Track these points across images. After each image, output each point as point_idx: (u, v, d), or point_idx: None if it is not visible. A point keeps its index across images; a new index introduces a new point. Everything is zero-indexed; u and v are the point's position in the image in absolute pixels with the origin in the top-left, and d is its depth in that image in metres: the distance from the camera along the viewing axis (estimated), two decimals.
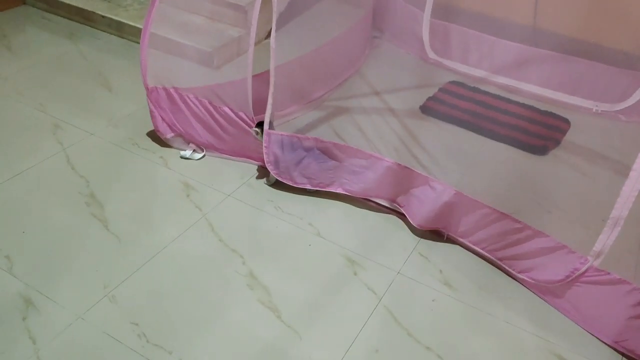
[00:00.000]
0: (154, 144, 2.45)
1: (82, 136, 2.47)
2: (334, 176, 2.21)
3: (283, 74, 2.42)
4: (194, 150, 2.42)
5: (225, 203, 2.18)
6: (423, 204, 2.06)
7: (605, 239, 1.67)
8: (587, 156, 2.67)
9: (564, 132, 2.79)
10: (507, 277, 1.99)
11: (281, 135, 2.18)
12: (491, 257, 2.01)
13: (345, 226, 2.13)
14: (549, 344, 1.76)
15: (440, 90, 3.03)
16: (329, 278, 1.91)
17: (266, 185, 2.28)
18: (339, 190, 2.23)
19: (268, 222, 2.12)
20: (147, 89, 2.31)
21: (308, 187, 2.23)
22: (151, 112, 2.36)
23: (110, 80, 2.87)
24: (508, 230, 1.92)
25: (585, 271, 1.75)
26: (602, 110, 3.01)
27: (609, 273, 1.70)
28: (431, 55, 3.34)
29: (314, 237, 2.07)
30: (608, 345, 1.77)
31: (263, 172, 2.32)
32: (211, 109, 2.30)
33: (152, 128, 2.47)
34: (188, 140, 2.42)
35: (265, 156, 2.19)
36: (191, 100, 2.31)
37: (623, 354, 1.74)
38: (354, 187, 2.20)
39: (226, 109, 2.28)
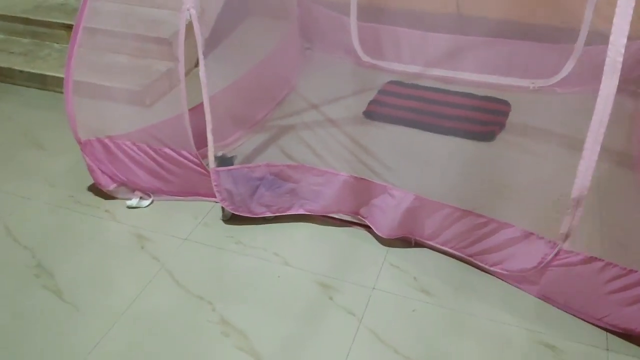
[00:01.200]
0: (97, 198, 2.33)
1: (18, 203, 2.31)
2: (293, 198, 2.15)
3: (220, 102, 2.34)
4: (140, 198, 2.30)
5: (184, 248, 2.08)
6: (385, 213, 2.02)
7: (571, 221, 1.67)
8: (533, 134, 2.70)
9: (506, 114, 2.82)
10: (481, 272, 1.97)
11: (229, 170, 2.10)
12: (461, 255, 1.99)
13: (312, 249, 2.07)
14: (536, 333, 1.75)
15: (379, 92, 3.01)
16: (304, 308, 1.85)
17: (223, 222, 2.19)
18: (300, 211, 2.17)
19: (232, 260, 2.03)
20: (79, 143, 2.18)
21: (268, 214, 2.16)
22: (89, 166, 2.23)
23: (40, 137, 2.72)
24: (473, 226, 1.90)
25: (556, 255, 1.75)
26: (538, 87, 3.05)
27: (578, 253, 1.70)
28: (365, 58, 3.33)
29: (282, 267, 2.00)
30: (592, 324, 1.77)
31: (216, 208, 2.23)
32: (151, 152, 2.20)
33: (92, 181, 2.34)
34: (133, 188, 2.31)
35: (217, 195, 2.11)
36: (128, 147, 2.20)
37: (607, 330, 1.74)
38: (314, 205, 2.14)
39: (167, 150, 2.19)
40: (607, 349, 1.71)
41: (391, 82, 3.12)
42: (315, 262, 2.01)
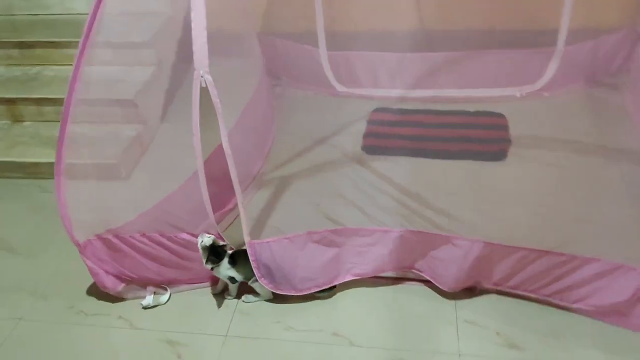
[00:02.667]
0: (103, 303, 1.97)
1: (9, 326, 1.90)
2: (338, 265, 1.90)
3: (214, 165, 2.08)
4: (154, 293, 1.97)
5: (228, 348, 1.78)
6: (450, 265, 1.83)
7: None
8: (541, 144, 2.61)
9: (506, 127, 2.73)
10: (563, 311, 1.81)
11: (268, 242, 1.82)
12: (537, 297, 1.83)
13: (373, 320, 1.84)
14: None
15: (369, 123, 2.83)
16: None
17: (263, 305, 1.90)
18: (348, 278, 1.93)
19: (289, 351, 1.75)
20: (78, 246, 1.82)
21: (315, 290, 1.90)
22: (91, 269, 1.88)
23: (9, 239, 2.29)
24: (552, 265, 1.75)
25: None
26: (526, 93, 2.99)
27: (598, 260, 1.60)
28: (340, 88, 3.13)
29: (350, 349, 1.76)
30: None
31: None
32: (165, 241, 1.89)
33: (90, 283, 1.99)
34: (144, 284, 1.97)
35: (256, 271, 1.83)
36: (138, 240, 1.87)
37: None
38: (364, 268, 1.92)
39: (184, 236, 1.88)
40: None
41: (377, 110, 2.94)
42: (382, 336, 1.78)
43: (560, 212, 2.00)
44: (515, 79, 2.98)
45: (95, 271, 1.88)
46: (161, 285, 1.98)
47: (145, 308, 1.94)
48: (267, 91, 2.94)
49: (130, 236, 1.86)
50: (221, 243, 1.83)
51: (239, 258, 1.84)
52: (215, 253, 1.78)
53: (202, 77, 1.60)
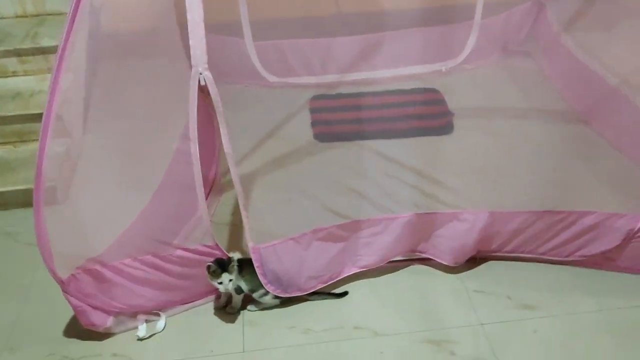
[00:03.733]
0: (89, 343, 1.74)
1: None
2: (343, 259, 1.84)
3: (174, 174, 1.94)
4: (146, 321, 1.77)
5: None
6: (455, 240, 1.86)
7: None
8: (481, 115, 2.74)
9: (443, 101, 2.82)
10: (558, 266, 1.93)
11: (274, 245, 1.72)
12: (533, 256, 1.92)
13: (389, 307, 1.82)
14: None
15: (312, 111, 2.78)
16: None
17: (271, 312, 1.80)
18: (353, 271, 1.88)
19: (311, 352, 1.68)
20: (62, 283, 1.58)
21: (320, 286, 1.83)
22: (75, 308, 1.64)
23: None
24: (549, 224, 1.84)
25: None
26: (450, 67, 3.11)
27: (593, 212, 1.76)
28: (272, 79, 3.04)
29: (376, 339, 1.72)
30: None
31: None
32: (159, 262, 1.71)
33: (66, 324, 1.75)
34: (134, 314, 1.76)
35: (261, 278, 1.72)
36: (128, 266, 1.67)
37: None
38: (370, 259, 1.88)
39: (180, 253, 1.71)
40: None
41: (315, 98, 2.90)
42: (403, 320, 1.77)
43: (538, 174, 2.10)
44: (440, 54, 3.08)
45: (80, 309, 1.64)
46: (152, 312, 1.78)
47: (141, 340, 1.74)
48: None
49: (120, 262, 1.64)
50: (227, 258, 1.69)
51: (246, 266, 1.72)
52: (220, 264, 1.64)
53: (200, 74, 1.45)
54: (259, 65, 3.00)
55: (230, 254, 1.71)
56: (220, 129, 1.56)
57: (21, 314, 1.83)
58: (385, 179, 2.10)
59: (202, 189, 1.63)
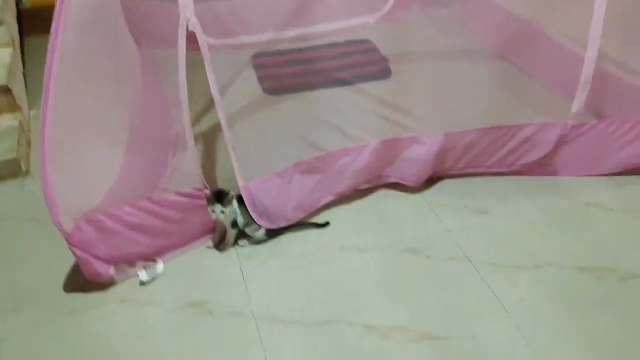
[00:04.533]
0: (93, 294, 1.81)
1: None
2: (321, 189, 2.03)
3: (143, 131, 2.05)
4: (144, 268, 1.87)
5: (253, 288, 1.81)
6: (416, 163, 2.09)
7: (582, 100, 2.02)
8: (413, 59, 2.98)
9: (377, 50, 3.05)
10: (501, 176, 2.21)
11: (261, 181, 1.87)
12: (479, 170, 2.20)
13: (366, 228, 2.02)
14: (574, 200, 2.10)
15: (255, 68, 2.92)
16: (421, 276, 1.84)
17: (261, 247, 1.95)
18: (330, 199, 2.07)
19: (305, 272, 1.85)
20: (67, 235, 1.64)
21: (303, 216, 2.01)
22: (80, 259, 1.71)
23: None
24: (494, 139, 2.11)
25: (569, 132, 2.09)
26: (377, 19, 3.34)
27: (586, 123, 2.07)
28: (210, 41, 3.10)
29: (361, 254, 1.93)
30: (599, 176, 2.19)
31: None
32: (156, 207, 1.80)
33: (64, 281, 1.81)
34: (132, 262, 1.86)
35: (253, 213, 1.87)
36: (128, 213, 1.75)
37: (612, 175, 2.19)
38: (345, 185, 2.07)
39: (174, 197, 1.82)
40: (619, 186, 2.16)
41: (256, 56, 3.03)
42: (381, 237, 1.98)
43: (477, 100, 2.38)
44: (367, 7, 3.30)
45: (85, 260, 1.70)
46: (150, 258, 1.88)
47: (143, 284, 1.83)
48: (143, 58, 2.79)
49: (121, 210, 1.73)
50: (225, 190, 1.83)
51: (241, 203, 1.85)
52: (217, 195, 1.77)
53: (188, 20, 1.55)
54: (198, 27, 3.04)
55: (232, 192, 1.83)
56: (208, 76, 1.66)
57: (14, 280, 1.85)
58: (352, 113, 2.29)
59: (192, 134, 1.73)
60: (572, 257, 1.86)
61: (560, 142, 2.09)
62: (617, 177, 2.19)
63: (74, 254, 1.68)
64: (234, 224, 1.85)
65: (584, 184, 2.16)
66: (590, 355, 1.57)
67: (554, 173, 2.20)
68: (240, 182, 1.83)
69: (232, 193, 1.83)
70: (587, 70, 1.97)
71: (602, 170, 2.18)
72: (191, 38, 2.99)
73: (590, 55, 1.95)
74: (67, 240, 1.65)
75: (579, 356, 1.57)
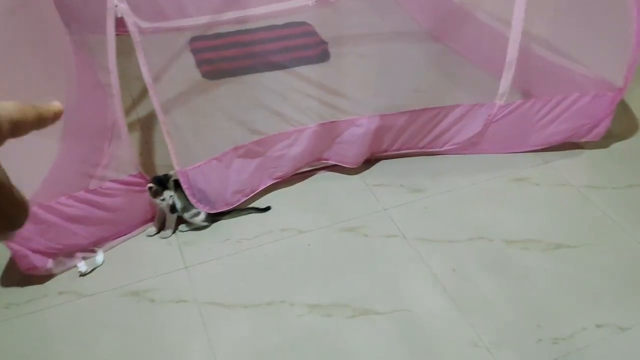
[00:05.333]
0: (31, 287, 1.78)
1: None
2: (261, 172, 2.06)
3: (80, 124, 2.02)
4: (84, 259, 1.86)
5: (195, 276, 1.83)
6: (353, 145, 2.14)
7: (508, 81, 2.11)
8: (350, 41, 3.03)
9: (315, 33, 3.08)
10: (434, 156, 2.30)
11: (199, 166, 1.88)
12: (414, 151, 2.28)
13: (305, 209, 2.07)
14: (504, 176, 2.21)
15: (194, 52, 2.89)
16: (352, 256, 1.91)
17: (202, 232, 1.96)
18: (269, 183, 2.10)
19: (250, 255, 1.89)
20: None
21: (243, 199, 2.03)
22: (17, 253, 1.68)
23: None
24: (426, 120, 2.19)
25: (496, 112, 2.19)
26: (315, 1, 3.35)
27: (513, 103, 2.18)
28: (145, 24, 3.05)
29: (301, 235, 1.97)
30: (526, 152, 2.31)
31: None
32: (92, 197, 1.79)
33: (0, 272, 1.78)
34: (70, 253, 1.84)
35: (191, 198, 1.88)
36: (63, 204, 1.73)
37: (538, 151, 2.31)
38: (283, 170, 2.10)
39: (109, 184, 1.81)
40: (546, 162, 2.29)
41: (194, 40, 3.00)
42: (320, 218, 2.03)
43: (411, 82, 2.45)
44: None
45: (22, 253, 1.68)
46: (88, 249, 1.87)
47: (83, 275, 1.82)
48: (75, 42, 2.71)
49: (55, 202, 1.70)
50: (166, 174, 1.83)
51: (178, 186, 1.86)
52: (159, 182, 1.78)
53: (116, 6, 1.53)
54: (129, 12, 2.98)
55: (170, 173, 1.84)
56: (139, 60, 1.65)
57: None
58: (290, 96, 2.31)
59: (125, 121, 1.72)
60: (501, 230, 1.97)
61: (489, 121, 2.19)
62: (543, 153, 2.31)
63: (10, 248, 1.65)
64: (173, 208, 1.86)
65: (513, 161, 2.27)
66: (517, 320, 1.67)
67: (484, 151, 2.29)
68: (177, 168, 1.83)
69: (171, 175, 1.83)
70: (511, 52, 2.05)
71: (528, 147, 2.29)
72: (123, 21, 2.94)
73: (514, 37, 2.03)
74: None
75: (507, 320, 1.67)
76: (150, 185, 1.76)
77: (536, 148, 2.29)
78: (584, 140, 2.31)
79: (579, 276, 1.82)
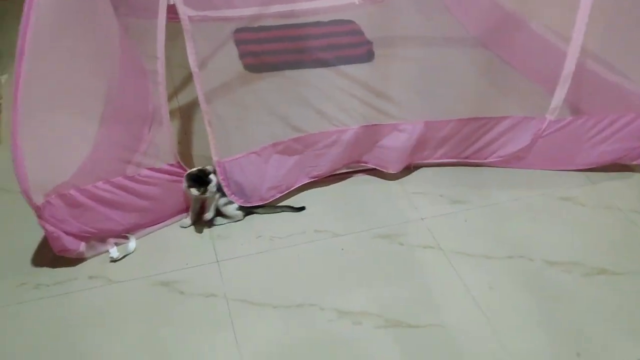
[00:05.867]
0: (62, 269, 1.78)
1: None
2: (298, 170, 2.02)
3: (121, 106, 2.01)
4: (115, 245, 1.85)
5: (226, 270, 1.80)
6: (395, 150, 2.09)
7: (561, 96, 2.03)
8: (396, 43, 2.96)
9: (361, 32, 3.02)
10: (476, 167, 2.23)
11: (237, 159, 1.85)
12: (457, 160, 2.21)
13: (342, 212, 2.03)
14: (549, 194, 2.13)
15: (237, 43, 2.86)
16: (396, 264, 1.85)
17: (235, 227, 1.94)
18: (306, 181, 2.06)
19: (283, 255, 1.85)
20: (37, 209, 1.60)
21: (278, 196, 2.00)
22: (50, 234, 1.67)
23: None
24: (473, 130, 2.12)
25: (546, 126, 2.11)
26: (362, 0, 3.29)
27: (565, 118, 2.09)
28: (190, 12, 3.03)
29: (336, 239, 1.93)
30: (571, 171, 2.22)
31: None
32: (129, 183, 1.77)
33: (32, 252, 1.79)
34: (103, 238, 1.83)
35: (226, 190, 1.85)
36: (101, 189, 1.72)
37: (584, 170, 2.22)
38: (322, 169, 2.06)
39: (147, 172, 1.79)
40: (592, 183, 2.20)
41: (238, 31, 2.96)
42: (356, 222, 1.98)
43: (458, 89, 2.37)
44: None
45: (55, 235, 1.67)
46: (121, 235, 1.85)
47: (114, 261, 1.81)
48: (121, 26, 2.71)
49: (92, 186, 1.69)
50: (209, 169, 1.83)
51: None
52: (196, 179, 1.76)
53: None
54: None
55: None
56: (188, 49, 1.63)
57: None
58: (334, 95, 2.26)
59: (168, 109, 1.70)
60: (542, 250, 1.89)
61: (538, 136, 2.11)
62: (589, 173, 2.22)
63: (44, 228, 1.65)
64: (219, 191, 1.84)
65: (558, 178, 2.19)
66: (554, 345, 1.60)
67: (528, 166, 2.22)
68: (215, 158, 1.81)
69: (210, 169, 1.81)
70: (568, 66, 1.97)
71: (575, 166, 2.21)
72: (171, 8, 2.93)
73: (573, 50, 1.95)
74: (37, 214, 1.61)
75: (543, 345, 1.60)
76: (192, 188, 1.74)
77: (584, 167, 2.21)
78: (634, 163, 2.20)
79: (621, 305, 1.74)
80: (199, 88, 1.70)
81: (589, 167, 2.20)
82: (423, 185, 2.14)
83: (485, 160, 2.21)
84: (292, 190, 2.05)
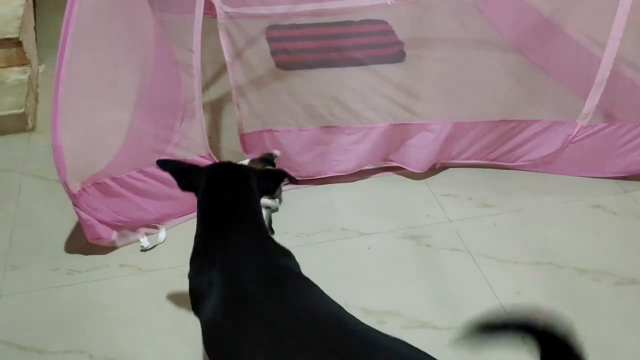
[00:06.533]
0: (94, 257, 1.82)
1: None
2: (324, 162, 2.02)
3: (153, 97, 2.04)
4: (146, 234, 1.87)
5: None
6: (422, 149, 2.08)
7: (594, 101, 2.00)
8: (427, 44, 2.95)
9: (392, 32, 3.01)
10: (504, 170, 2.21)
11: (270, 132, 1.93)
12: (485, 162, 2.19)
13: (368, 209, 2.03)
14: (581, 200, 2.10)
15: (270, 40, 2.87)
16: (419, 264, 1.85)
17: (276, 214, 1.96)
18: (330, 174, 2.07)
19: (309, 253, 1.82)
20: (73, 197, 1.64)
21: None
22: (84, 221, 1.71)
23: None
24: (502, 132, 2.11)
25: (577, 132, 2.08)
26: (394, 1, 3.28)
27: (596, 125, 2.07)
28: (226, 9, 3.06)
29: (362, 238, 1.94)
30: (603, 178, 2.20)
31: None
32: (161, 173, 1.79)
33: (65, 239, 1.82)
34: (135, 227, 1.86)
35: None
36: (135, 179, 1.75)
37: (617, 178, 2.19)
38: (349, 165, 2.07)
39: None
40: (625, 191, 2.17)
41: (271, 28, 2.98)
42: (383, 221, 1.98)
43: (488, 92, 2.36)
44: None
45: (89, 223, 1.71)
46: (152, 225, 1.88)
47: (144, 250, 1.84)
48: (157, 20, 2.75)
49: (127, 175, 1.72)
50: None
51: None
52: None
53: None
54: None
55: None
56: (223, 44, 1.66)
57: (14, 236, 1.85)
58: (364, 93, 2.27)
59: (201, 101, 1.72)
60: (571, 257, 1.88)
61: (568, 141, 2.09)
62: (622, 182, 2.19)
63: (79, 216, 1.68)
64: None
65: (590, 185, 2.16)
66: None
67: (556, 171, 2.20)
68: (240, 132, 1.83)
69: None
70: (602, 71, 1.95)
71: (605, 173, 2.18)
72: (207, 4, 2.97)
73: (608, 55, 1.93)
74: (72, 202, 1.64)
75: None
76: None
77: (614, 175, 2.18)
78: None
79: None
80: (231, 77, 1.72)
81: (617, 175, 2.17)
82: (450, 187, 2.13)
83: (513, 163, 2.19)
84: (313, 179, 2.05)
